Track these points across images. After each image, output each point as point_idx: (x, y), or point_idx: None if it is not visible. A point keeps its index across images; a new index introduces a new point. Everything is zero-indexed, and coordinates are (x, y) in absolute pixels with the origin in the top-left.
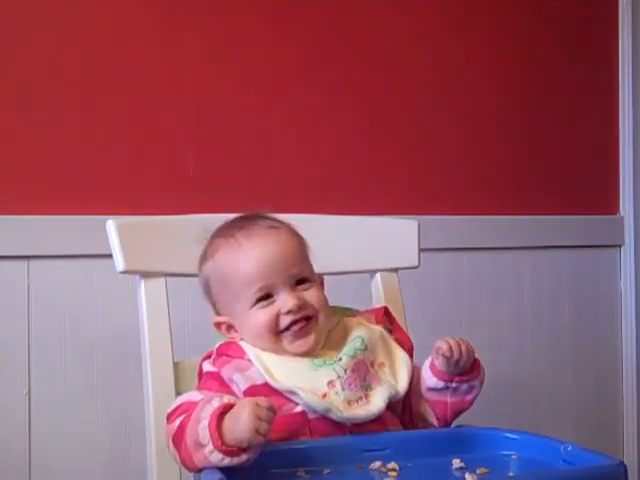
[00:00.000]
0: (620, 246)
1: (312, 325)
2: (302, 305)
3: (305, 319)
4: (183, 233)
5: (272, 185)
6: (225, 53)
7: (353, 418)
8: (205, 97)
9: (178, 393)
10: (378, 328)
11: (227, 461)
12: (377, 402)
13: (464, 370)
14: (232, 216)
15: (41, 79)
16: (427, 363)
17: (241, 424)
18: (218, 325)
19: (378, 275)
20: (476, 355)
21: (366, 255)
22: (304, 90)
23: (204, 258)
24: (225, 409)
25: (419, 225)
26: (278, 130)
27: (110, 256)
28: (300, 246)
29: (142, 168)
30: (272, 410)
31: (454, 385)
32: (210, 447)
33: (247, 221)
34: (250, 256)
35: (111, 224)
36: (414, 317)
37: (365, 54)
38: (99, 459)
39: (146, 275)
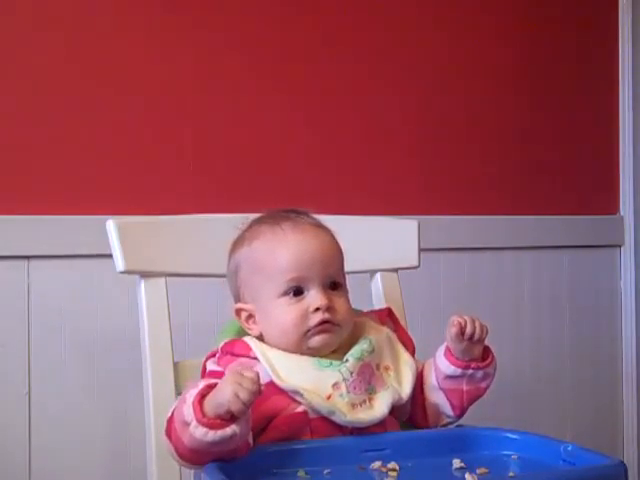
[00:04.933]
0: (620, 246)
1: (336, 329)
2: (331, 308)
3: (330, 322)
4: (183, 233)
5: (272, 185)
6: (225, 52)
7: (356, 422)
8: (205, 97)
9: (178, 393)
10: (385, 329)
11: (211, 435)
12: (381, 407)
13: (478, 356)
14: (234, 216)
15: (40, 79)
16: (441, 351)
17: (223, 390)
18: (238, 312)
19: (378, 275)
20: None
21: (366, 255)
22: (304, 90)
23: (240, 243)
24: (209, 388)
25: (419, 225)
26: (278, 130)
27: (110, 256)
28: (340, 251)
29: (142, 168)
30: (256, 381)
31: (470, 372)
32: (194, 422)
33: (294, 215)
34: (291, 245)
35: (111, 224)
36: (414, 317)
37: (366, 54)
38: (99, 459)
39: (146, 275)
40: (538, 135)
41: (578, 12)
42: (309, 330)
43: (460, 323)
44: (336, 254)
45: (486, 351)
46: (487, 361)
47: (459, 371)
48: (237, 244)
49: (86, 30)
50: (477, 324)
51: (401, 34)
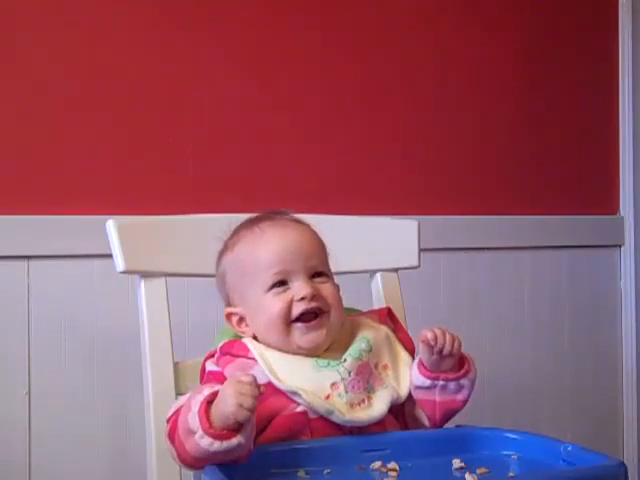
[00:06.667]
0: (620, 246)
1: (324, 319)
2: (316, 295)
3: (317, 312)
4: (183, 233)
5: (272, 185)
6: (225, 52)
7: (355, 421)
8: (205, 97)
9: (178, 393)
10: (384, 328)
11: (217, 445)
12: (380, 406)
13: (451, 367)
14: (234, 216)
15: (40, 79)
16: (415, 362)
17: (225, 401)
18: (229, 316)
19: (378, 275)
20: (470, 354)
21: (366, 255)
22: (304, 90)
23: (224, 251)
24: (214, 396)
25: (419, 225)
26: (278, 130)
27: (110, 256)
28: (321, 244)
29: (142, 168)
30: (255, 385)
31: (441, 383)
32: (200, 432)
33: (273, 215)
34: (272, 242)
35: (111, 224)
36: (414, 317)
37: (366, 54)
38: (99, 459)
39: (146, 275)
40: (538, 135)
41: (578, 12)
42: (294, 321)
43: (427, 337)
44: (318, 246)
45: (462, 362)
46: (460, 372)
47: (428, 382)
48: (221, 253)
49: (87, 30)
50: (447, 338)
51: (400, 34)
